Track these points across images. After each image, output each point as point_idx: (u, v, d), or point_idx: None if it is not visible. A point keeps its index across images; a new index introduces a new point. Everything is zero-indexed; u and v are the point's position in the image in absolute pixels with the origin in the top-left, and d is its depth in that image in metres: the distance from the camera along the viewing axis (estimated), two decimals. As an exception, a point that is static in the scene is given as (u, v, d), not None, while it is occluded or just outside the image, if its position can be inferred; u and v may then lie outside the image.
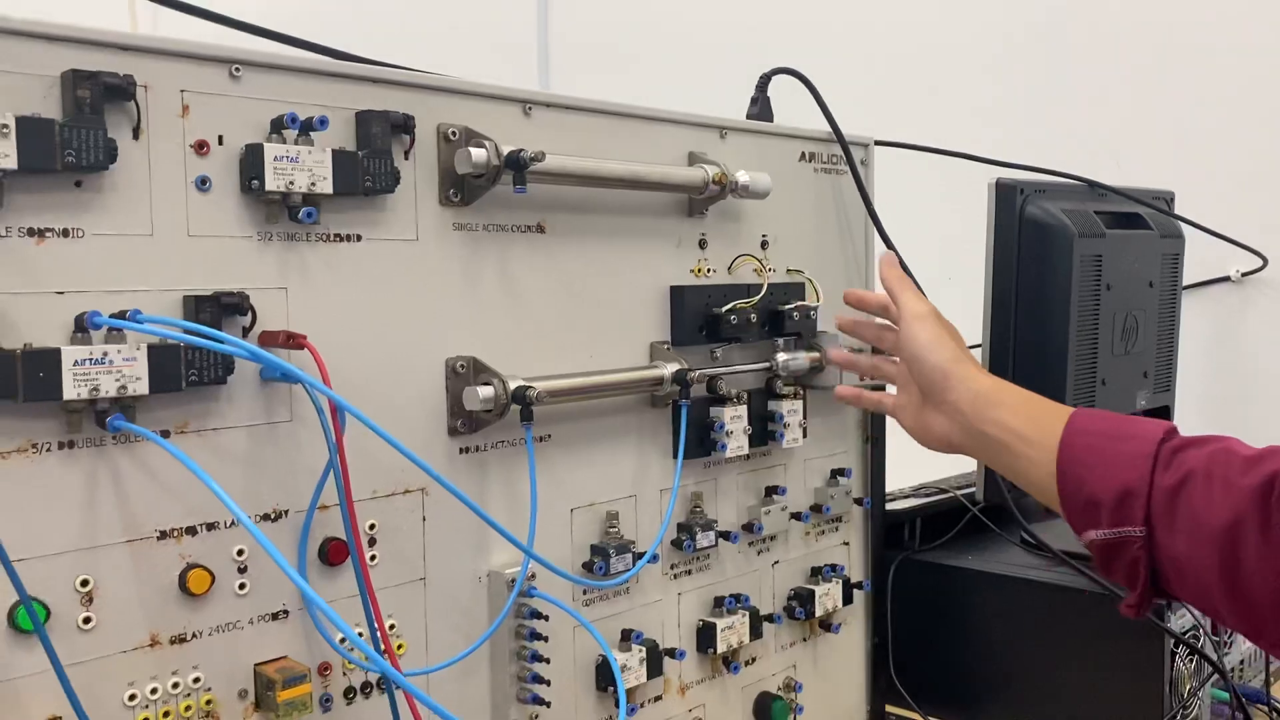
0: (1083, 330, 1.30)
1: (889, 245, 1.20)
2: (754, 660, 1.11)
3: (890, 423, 1.24)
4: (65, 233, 0.66)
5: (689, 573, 1.05)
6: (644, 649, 0.97)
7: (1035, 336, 1.29)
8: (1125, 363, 1.38)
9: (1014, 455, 0.85)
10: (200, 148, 0.71)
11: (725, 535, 1.06)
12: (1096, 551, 0.78)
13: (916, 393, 0.96)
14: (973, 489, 1.39)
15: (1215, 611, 0.74)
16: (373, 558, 0.81)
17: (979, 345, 1.32)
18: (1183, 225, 1.47)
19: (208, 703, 0.72)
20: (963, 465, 1.49)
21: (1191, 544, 0.72)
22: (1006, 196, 1.29)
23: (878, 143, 1.24)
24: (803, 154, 1.15)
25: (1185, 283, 1.48)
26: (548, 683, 0.88)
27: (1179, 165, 1.68)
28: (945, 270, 1.30)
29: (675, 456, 1.01)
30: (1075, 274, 1.27)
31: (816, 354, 1.12)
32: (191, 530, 0.72)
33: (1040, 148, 1.44)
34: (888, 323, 1.03)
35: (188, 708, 0.72)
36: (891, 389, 1.05)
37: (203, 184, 0.71)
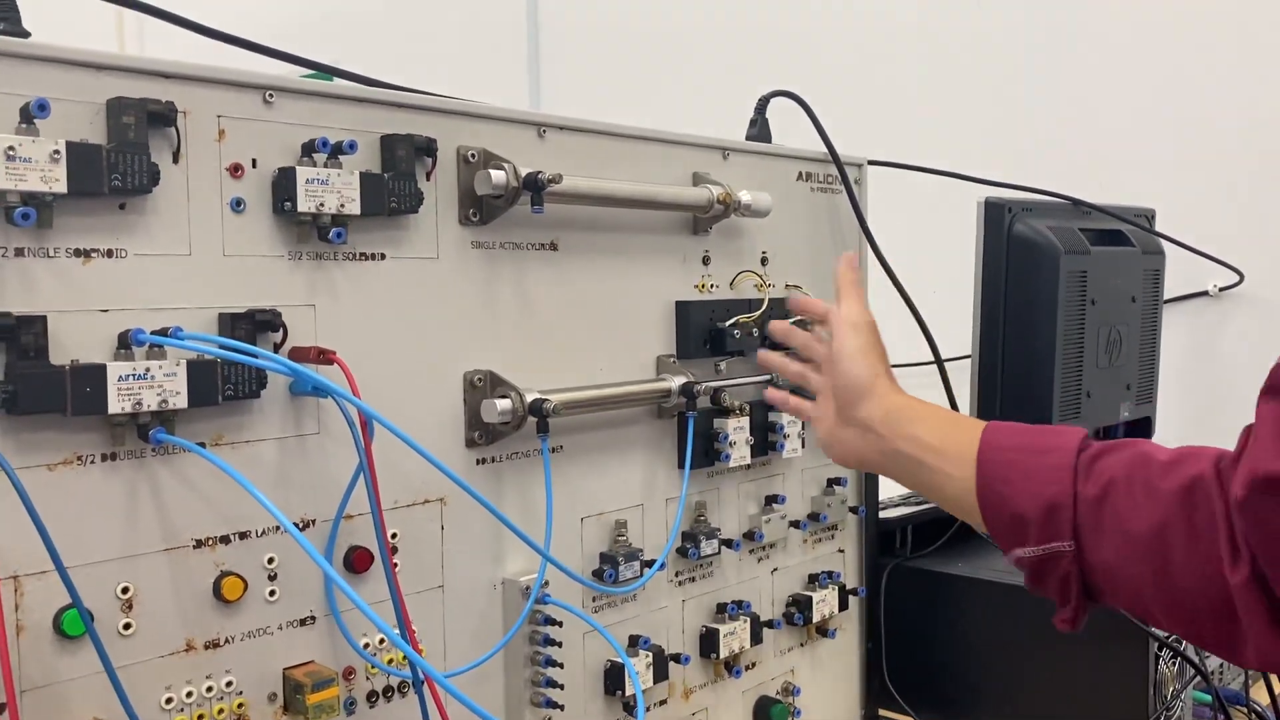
0: (1068, 344, 1.35)
1: (881, 261, 1.24)
2: (754, 665, 1.14)
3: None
4: (110, 253, 0.69)
5: (693, 580, 1.08)
6: (651, 654, 1.00)
7: (1023, 350, 1.33)
8: (1109, 375, 1.42)
9: (930, 472, 0.81)
10: (235, 170, 0.74)
11: (728, 543, 1.09)
12: (1027, 568, 0.76)
13: (834, 404, 0.91)
14: (962, 498, 1.43)
15: (1152, 616, 0.73)
16: (394, 565, 0.84)
17: (968, 357, 1.37)
18: (1163, 242, 1.52)
19: (240, 706, 0.75)
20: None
21: (1120, 552, 0.71)
22: (995, 215, 1.33)
23: (871, 162, 1.28)
24: (800, 173, 1.19)
25: (1166, 297, 1.53)
26: (561, 686, 0.91)
27: (1159, 183, 1.73)
28: (934, 285, 1.34)
29: (681, 467, 1.05)
30: (1061, 289, 1.32)
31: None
32: (225, 539, 0.74)
33: (1027, 167, 1.48)
34: (821, 334, 0.98)
35: (221, 711, 0.74)
36: None
37: (237, 205, 0.74)
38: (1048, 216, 1.36)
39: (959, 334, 1.37)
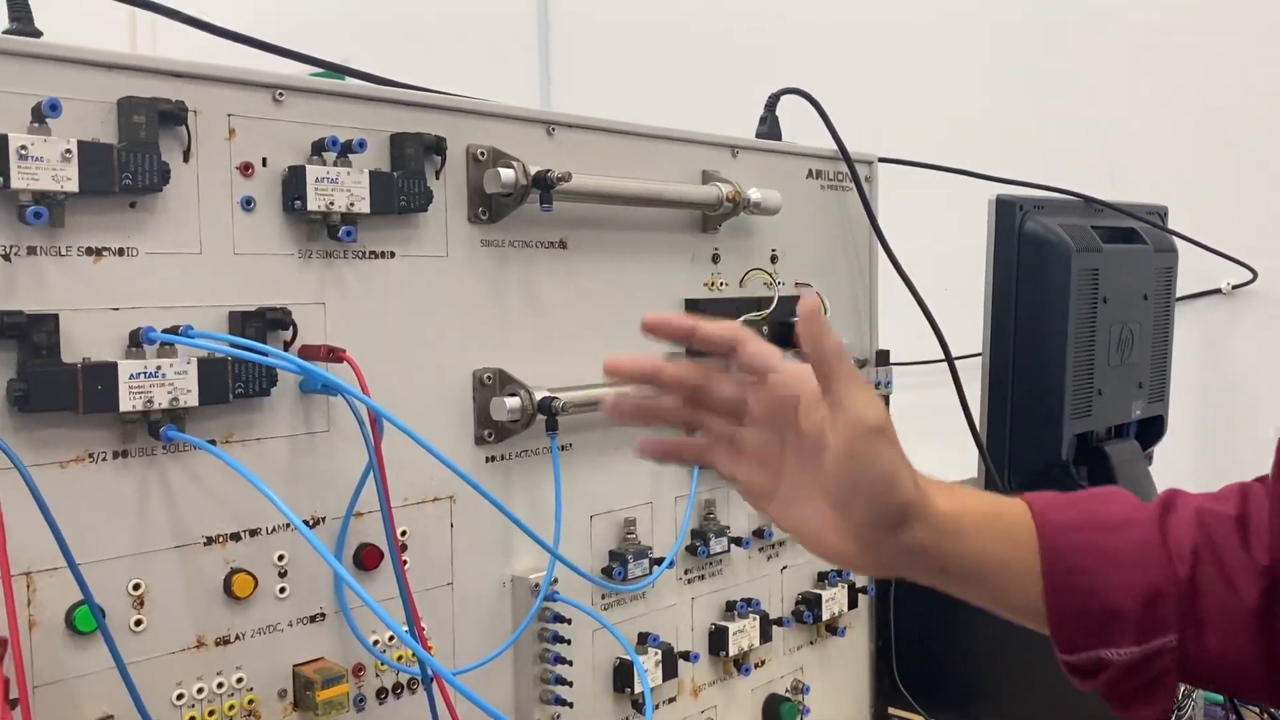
0: (1080, 342, 1.34)
1: (892, 259, 1.24)
2: (764, 663, 1.14)
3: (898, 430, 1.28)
4: (121, 251, 0.69)
5: (702, 578, 1.08)
6: (660, 652, 1.00)
7: (1034, 348, 1.33)
8: (1121, 373, 1.42)
9: (981, 584, 0.64)
10: (245, 169, 0.74)
11: (737, 541, 1.09)
12: (1111, 673, 0.61)
13: (807, 490, 0.64)
14: (972, 496, 1.43)
15: (1256, 697, 0.64)
16: (403, 563, 0.84)
17: (979, 355, 1.36)
18: (1176, 239, 1.51)
19: (250, 702, 0.75)
20: (960, 472, 1.53)
21: (1225, 639, 0.60)
22: (1006, 212, 1.33)
23: (881, 160, 1.28)
24: (810, 171, 1.19)
25: (1178, 295, 1.52)
26: (570, 684, 0.92)
27: (1172, 181, 1.72)
28: (945, 283, 1.33)
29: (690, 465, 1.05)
30: (1073, 287, 1.31)
31: (824, 365, 1.15)
32: (236, 536, 0.75)
33: (1038, 164, 1.47)
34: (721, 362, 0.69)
35: (231, 707, 0.74)
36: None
37: (248, 204, 0.75)
38: (1059, 214, 1.36)
39: (969, 332, 1.36)
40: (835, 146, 1.20)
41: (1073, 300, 1.32)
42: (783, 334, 1.12)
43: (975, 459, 1.38)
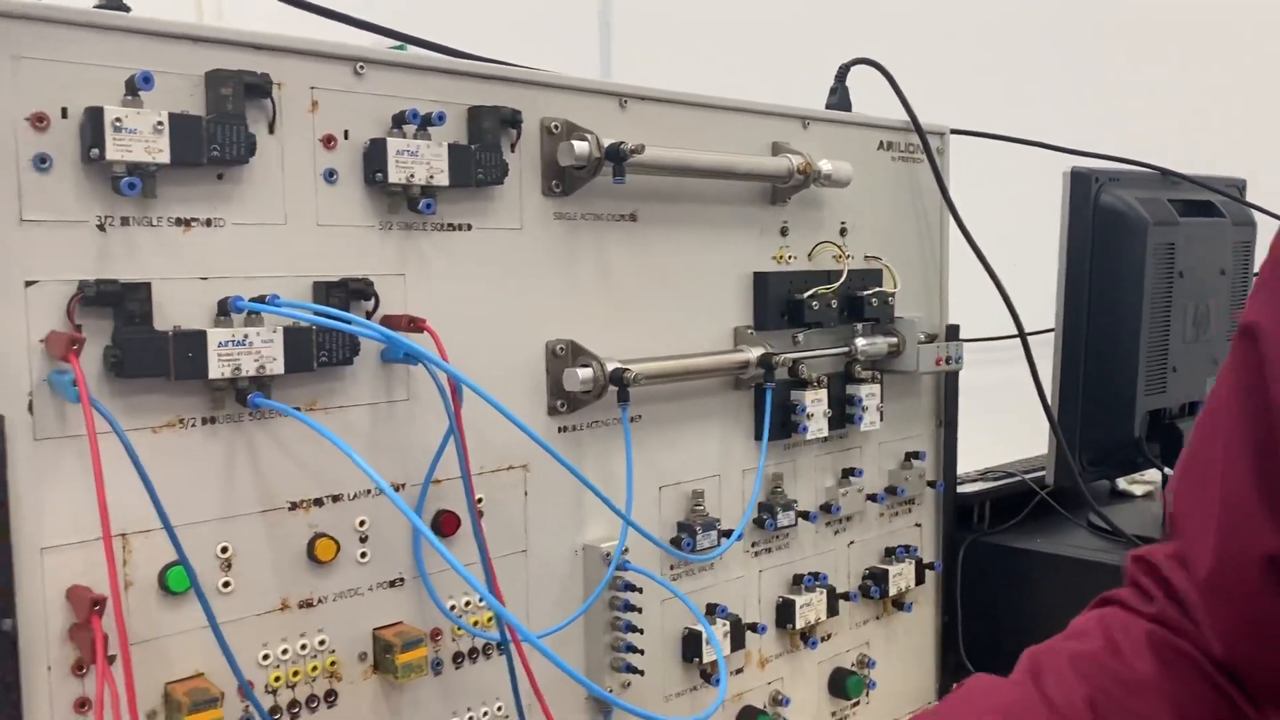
0: (1155, 318, 1.32)
1: (964, 232, 1.22)
2: (830, 636, 1.14)
3: (963, 407, 1.27)
4: (209, 222, 0.70)
5: (769, 551, 1.08)
6: (728, 623, 1.01)
7: (1107, 324, 1.31)
8: (1196, 350, 1.39)
9: None
10: (328, 142, 0.76)
11: (805, 515, 1.09)
12: None
13: None
14: (1040, 473, 1.41)
15: None
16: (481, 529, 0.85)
17: (1051, 331, 1.34)
18: (1255, 213, 1.48)
19: (332, 664, 0.77)
20: (1030, 449, 1.51)
21: None
22: (1081, 185, 1.30)
23: (954, 131, 1.26)
24: (881, 143, 1.18)
25: (1256, 270, 1.48)
26: (641, 651, 0.92)
27: (1251, 152, 1.67)
28: (1017, 257, 1.31)
29: (757, 438, 1.05)
30: (1148, 262, 1.29)
31: (894, 339, 1.14)
32: (319, 501, 0.76)
33: (1114, 136, 1.44)
34: None
35: (314, 668, 0.76)
36: None
37: (330, 176, 0.76)
38: (1135, 187, 1.33)
39: (1040, 308, 1.34)
40: (907, 117, 1.18)
41: (1148, 275, 1.30)
42: (852, 307, 1.11)
43: (1046, 436, 1.37)
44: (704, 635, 0.99)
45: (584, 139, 0.87)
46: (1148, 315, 1.30)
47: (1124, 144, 1.40)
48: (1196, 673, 0.65)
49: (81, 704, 0.66)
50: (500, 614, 0.66)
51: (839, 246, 1.12)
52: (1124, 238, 1.30)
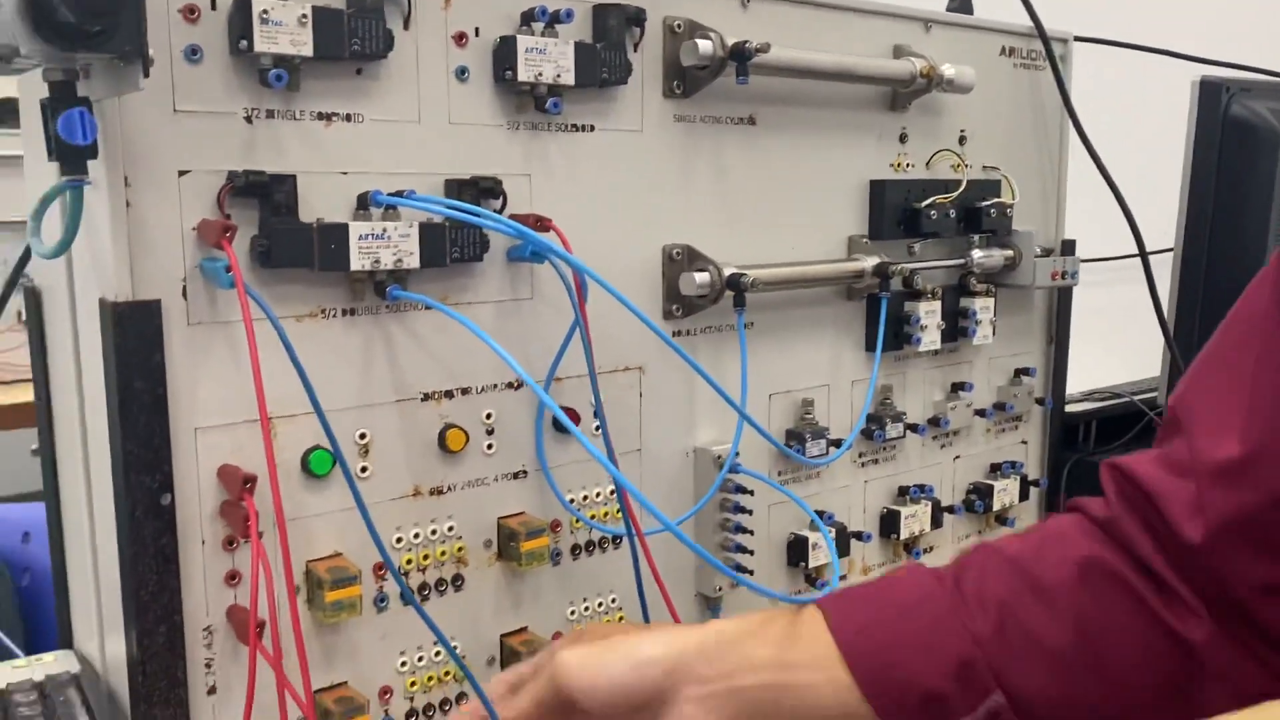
0: (1283, 236, 1.27)
1: (1085, 143, 1.18)
2: (932, 549, 1.15)
3: (1072, 326, 1.25)
4: (348, 117, 0.72)
5: (876, 462, 1.09)
6: (834, 530, 1.02)
7: (1232, 241, 1.26)
8: (1324, 271, 1.33)
9: (784, 691, 0.61)
10: (459, 39, 0.76)
11: (913, 428, 1.09)
12: None
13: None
14: (1150, 394, 1.39)
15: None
16: (596, 428, 0.87)
17: (1168, 250, 1.30)
18: (1396, 128, 1.40)
19: (460, 550, 0.80)
20: (1137, 373, 1.48)
21: (1052, 673, 0.60)
22: (1210, 95, 1.25)
23: (1078, 39, 1.21)
24: (1003, 48, 1.14)
25: (1394, 189, 1.41)
26: (751, 552, 0.94)
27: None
28: (1141, 173, 1.27)
29: (868, 349, 1.05)
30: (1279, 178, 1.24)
31: (1010, 252, 1.12)
32: (449, 394, 0.79)
33: (1246, 44, 1.37)
34: None
35: (443, 553, 0.79)
36: None
37: (461, 74, 0.76)
38: (1268, 98, 1.27)
39: (1160, 225, 1.30)
40: (1030, 22, 1.14)
41: (1278, 192, 1.25)
42: (969, 219, 1.09)
43: (1153, 359, 1.34)
44: (809, 541, 1.00)
45: (708, 38, 0.86)
46: (1275, 233, 1.25)
47: (1258, 52, 1.33)
48: (1118, 588, 0.60)
49: (232, 577, 0.70)
50: (642, 502, 0.67)
51: (958, 155, 1.09)
52: (1254, 152, 1.25)
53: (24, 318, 2.75)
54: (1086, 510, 0.64)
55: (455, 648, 0.80)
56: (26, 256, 0.81)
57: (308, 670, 0.64)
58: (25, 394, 3.11)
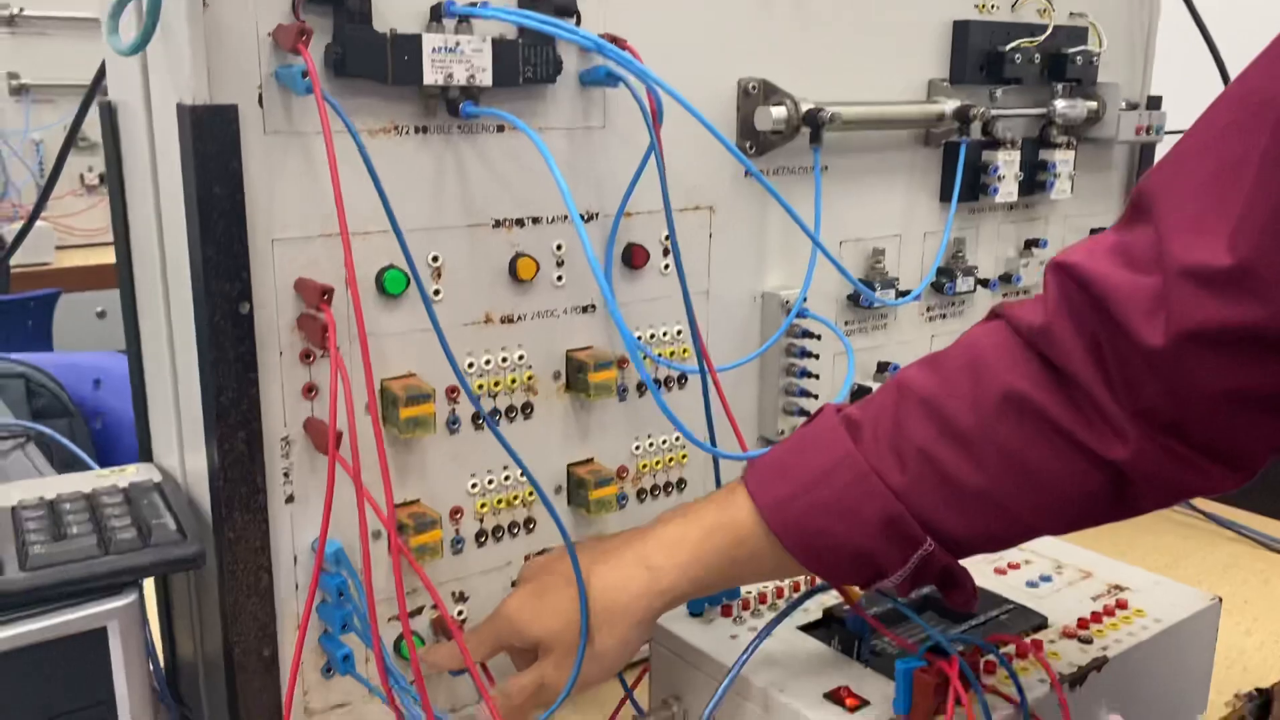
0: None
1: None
2: (996, 407, 1.13)
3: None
4: (422, -76, 0.70)
5: (944, 316, 1.07)
6: (899, 381, 1.01)
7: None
8: None
9: (754, 579, 0.69)
10: None
11: (984, 283, 1.07)
12: (904, 585, 0.63)
13: (566, 644, 0.67)
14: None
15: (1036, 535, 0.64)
16: (665, 266, 0.86)
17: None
18: None
19: (529, 379, 0.81)
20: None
21: (982, 515, 0.60)
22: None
23: (1179, -123, 1.14)
24: (1099, -114, 1.08)
25: None
26: (815, 396, 0.94)
27: None
28: (1230, 20, 1.20)
29: (943, 199, 1.02)
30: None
31: (1095, 103, 1.08)
32: (520, 222, 0.78)
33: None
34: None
35: (513, 380, 0.80)
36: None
37: (537, -117, 0.73)
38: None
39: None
40: None
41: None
42: (1054, 66, 1.05)
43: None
44: (874, 390, 0.99)
45: None
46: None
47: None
48: (1038, 421, 0.58)
49: (309, 390, 0.71)
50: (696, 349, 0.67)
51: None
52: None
53: (85, 177, 2.74)
54: (1014, 321, 0.60)
55: (523, 474, 0.81)
56: (101, 74, 0.80)
57: (389, 477, 0.65)
58: (92, 257, 3.17)
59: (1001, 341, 0.60)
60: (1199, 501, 1.25)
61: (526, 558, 0.83)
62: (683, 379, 0.89)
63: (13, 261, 2.61)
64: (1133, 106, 1.11)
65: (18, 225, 2.82)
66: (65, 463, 0.95)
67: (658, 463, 0.89)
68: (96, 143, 2.86)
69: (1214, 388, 0.54)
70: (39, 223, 2.80)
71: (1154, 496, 0.60)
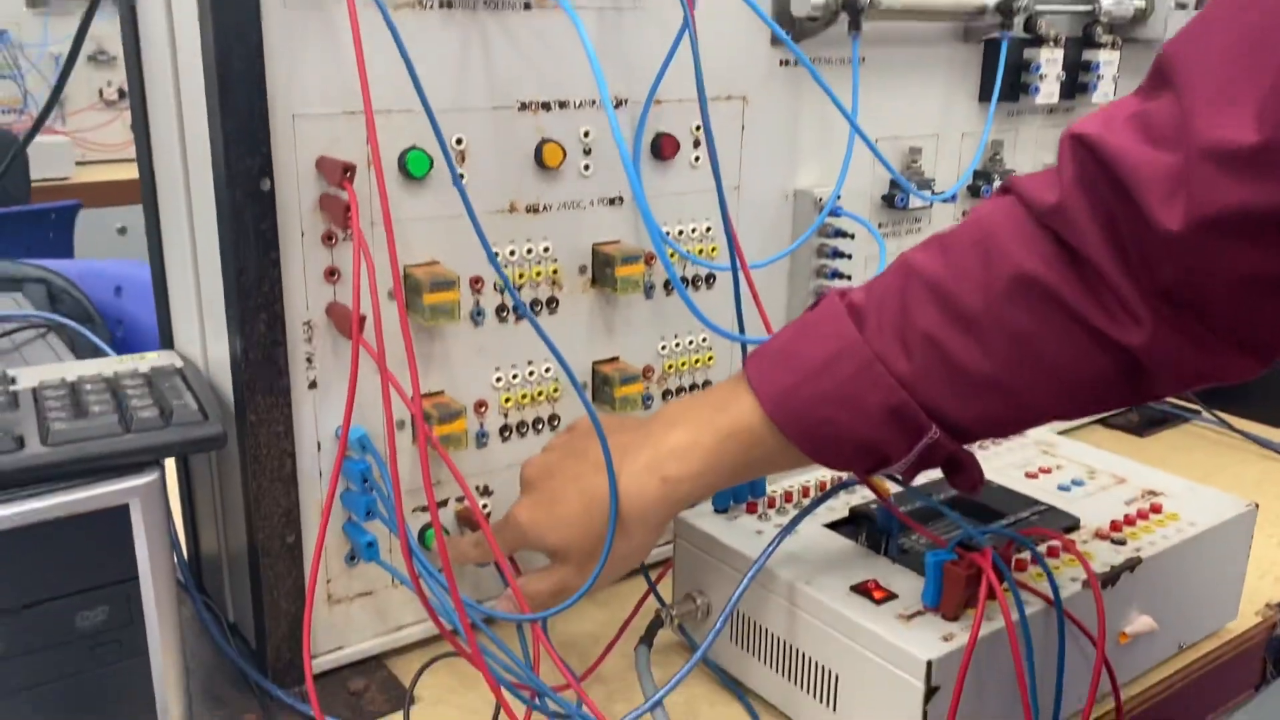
0: None
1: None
2: (1029, 318, 1.11)
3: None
4: None
5: (979, 221, 1.04)
6: (931, 287, 0.99)
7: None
8: None
9: (765, 472, 0.67)
10: None
11: (1020, 186, 1.03)
12: (909, 471, 0.63)
13: (584, 552, 0.67)
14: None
15: (1044, 421, 0.62)
16: (696, 158, 0.84)
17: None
18: None
19: (554, 272, 0.79)
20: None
21: (988, 402, 0.58)
22: None
23: None
24: None
25: None
26: (847, 299, 0.92)
27: None
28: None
29: (983, 99, 0.99)
30: None
31: (1142, 1, 1.03)
32: (546, 105, 0.75)
33: None
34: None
35: (538, 273, 0.78)
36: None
37: None
38: None
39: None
40: None
41: None
42: (1102, -41, 1.01)
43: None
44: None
45: None
46: None
47: None
48: (1050, 304, 0.55)
49: (331, 273, 0.69)
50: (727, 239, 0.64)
51: (1096, -112, 1.00)
52: None
53: (105, 92, 2.72)
54: (1028, 197, 0.57)
55: (548, 369, 0.80)
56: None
57: (414, 361, 0.64)
58: (111, 172, 3.16)
59: (1013, 220, 0.57)
60: (1231, 418, 1.23)
61: (550, 454, 0.82)
62: (710, 278, 0.87)
63: (33, 175, 2.61)
64: (1181, 5, 1.06)
65: (38, 138, 2.81)
66: (86, 357, 0.94)
67: (684, 364, 0.88)
68: (116, 56, 2.83)
69: (1234, 273, 0.51)
70: (58, 136, 2.79)
71: (1168, 382, 0.58)
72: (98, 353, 0.92)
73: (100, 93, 2.87)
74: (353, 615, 0.76)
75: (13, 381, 0.69)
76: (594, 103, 0.77)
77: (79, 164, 2.77)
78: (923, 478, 0.84)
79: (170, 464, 0.86)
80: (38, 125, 0.95)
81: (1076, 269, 0.55)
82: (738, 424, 0.63)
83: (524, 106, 0.75)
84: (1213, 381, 0.58)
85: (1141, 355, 0.55)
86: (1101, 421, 1.26)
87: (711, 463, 0.64)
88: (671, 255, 0.84)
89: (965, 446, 0.62)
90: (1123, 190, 0.52)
